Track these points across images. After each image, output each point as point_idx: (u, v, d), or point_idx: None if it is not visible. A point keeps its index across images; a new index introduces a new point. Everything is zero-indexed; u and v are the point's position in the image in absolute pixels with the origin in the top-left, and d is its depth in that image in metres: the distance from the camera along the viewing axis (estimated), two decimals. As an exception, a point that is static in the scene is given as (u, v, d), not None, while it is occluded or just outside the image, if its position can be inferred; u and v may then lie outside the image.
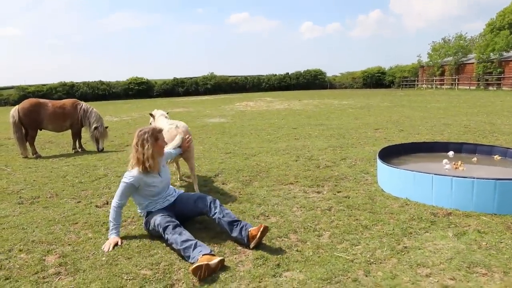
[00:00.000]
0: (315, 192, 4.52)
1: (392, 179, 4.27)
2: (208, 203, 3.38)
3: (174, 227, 3.09)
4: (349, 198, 4.25)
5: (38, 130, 7.50)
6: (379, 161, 4.58)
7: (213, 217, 3.31)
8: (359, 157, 6.28)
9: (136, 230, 3.58)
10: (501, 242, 3.04)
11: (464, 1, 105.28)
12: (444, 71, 39.47)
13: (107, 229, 3.55)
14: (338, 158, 6.24)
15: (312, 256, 2.93)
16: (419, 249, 2.98)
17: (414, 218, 3.58)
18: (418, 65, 44.80)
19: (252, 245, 3.09)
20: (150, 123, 5.61)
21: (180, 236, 2.99)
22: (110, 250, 3.16)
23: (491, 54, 33.01)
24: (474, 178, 3.63)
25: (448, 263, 2.73)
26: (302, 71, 61.91)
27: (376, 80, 58.25)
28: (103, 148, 7.71)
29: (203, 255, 2.78)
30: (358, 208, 3.90)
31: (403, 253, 2.93)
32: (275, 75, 61.29)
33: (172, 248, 3.04)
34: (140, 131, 3.42)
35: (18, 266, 2.91)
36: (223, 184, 5.02)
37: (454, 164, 4.64)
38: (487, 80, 33.02)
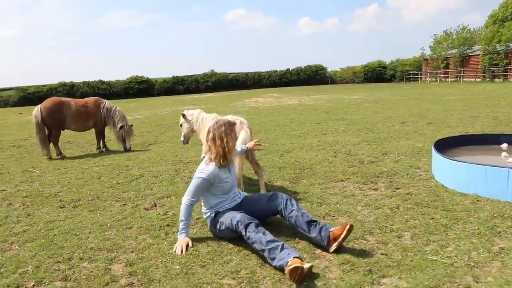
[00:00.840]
0: (371, 189, 4.29)
1: (457, 174, 4.03)
2: (284, 201, 3.16)
3: (257, 226, 2.88)
4: (411, 195, 4.02)
5: (62, 130, 7.24)
6: (438, 155, 4.34)
7: (290, 215, 3.08)
8: (401, 151, 6.05)
9: (198, 233, 3.35)
10: None
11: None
12: (448, 64, 39.22)
13: (166, 233, 3.35)
14: (379, 153, 6.01)
15: (402, 260, 2.70)
16: (519, 250, 2.75)
17: (495, 216, 3.35)
18: (422, 58, 44.54)
19: (333, 248, 2.87)
20: (181, 125, 5.28)
21: (264, 236, 2.76)
22: (184, 252, 2.94)
23: (497, 45, 32.76)
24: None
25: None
26: (302, 67, 61.71)
27: (377, 74, 58.00)
28: (130, 147, 7.46)
29: (294, 257, 2.55)
30: (428, 206, 3.67)
31: (502, 255, 2.71)
32: (276, 71, 61.11)
33: (253, 248, 2.80)
34: (217, 123, 3.21)
35: (84, 277, 2.68)
36: (269, 182, 4.79)
37: (515, 157, 4.41)
38: (493, 72, 32.80)
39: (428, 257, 2.72)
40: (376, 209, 3.69)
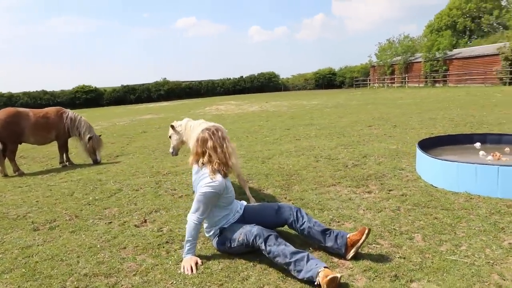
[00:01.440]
0: (366, 192, 4.29)
1: (447, 174, 4.14)
2: (294, 213, 3.01)
3: (276, 238, 2.71)
4: (407, 196, 4.06)
5: (19, 144, 6.56)
6: (427, 156, 4.45)
7: (302, 228, 2.95)
8: (379, 154, 6.17)
9: (203, 249, 3.11)
10: None
11: (399, 5, 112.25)
12: (394, 70, 41.53)
13: (167, 251, 3.07)
14: (359, 156, 6.08)
15: (423, 262, 2.68)
16: (527, 244, 2.83)
17: (493, 212, 3.46)
18: (369, 65, 46.75)
19: (350, 254, 2.78)
20: (170, 137, 5.02)
21: (287, 247, 2.60)
22: (194, 272, 2.70)
23: (437, 53, 35.22)
24: (544, 167, 3.60)
25: None
26: (256, 74, 62.63)
27: (327, 81, 60.18)
28: (100, 159, 6.93)
29: (324, 267, 2.42)
30: (427, 206, 3.72)
31: (515, 250, 2.77)
32: (229, 79, 61.49)
33: (275, 261, 2.63)
34: (209, 130, 2.98)
35: (87, 309, 2.35)
36: (260, 190, 4.63)
37: (493, 155, 4.64)
38: (434, 77, 35.21)
39: (447, 257, 2.72)
40: (379, 212, 3.67)
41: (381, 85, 41.96)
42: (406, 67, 39.75)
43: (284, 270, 2.64)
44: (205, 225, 3.10)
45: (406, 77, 38.26)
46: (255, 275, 2.64)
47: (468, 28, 51.96)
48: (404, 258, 2.77)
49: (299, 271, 2.49)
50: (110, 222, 3.81)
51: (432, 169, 4.39)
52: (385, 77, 41.68)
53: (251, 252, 2.91)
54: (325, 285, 2.30)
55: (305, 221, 2.96)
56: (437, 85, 34.50)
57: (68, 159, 7.07)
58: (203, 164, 2.99)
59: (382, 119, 10.99)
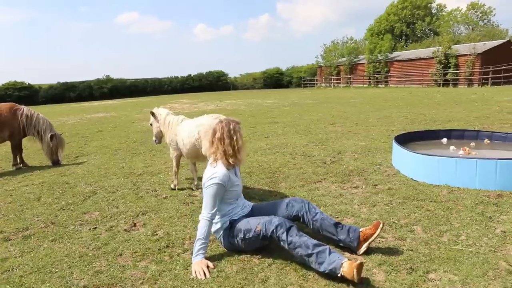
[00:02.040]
0: (353, 188, 4.37)
1: (429, 167, 4.35)
2: (306, 205, 2.97)
3: (298, 229, 2.67)
4: (393, 190, 4.20)
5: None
6: (408, 151, 4.64)
7: (314, 219, 2.91)
8: (352, 150, 6.34)
9: (208, 252, 2.95)
10: None
11: (339, 9, 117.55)
12: (340, 71, 43.27)
13: (171, 256, 2.88)
14: (334, 153, 6.20)
15: (432, 253, 2.77)
16: (517, 231, 3.04)
17: (477, 203, 3.69)
18: (317, 65, 48.24)
19: (362, 249, 2.81)
20: (151, 124, 4.81)
21: (310, 240, 2.57)
22: (208, 276, 2.54)
23: (378, 55, 37.30)
24: (518, 159, 3.91)
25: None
26: (204, 73, 62.12)
27: (275, 80, 61.26)
28: (61, 161, 6.35)
29: (347, 259, 2.41)
30: (416, 199, 3.87)
31: (508, 237, 2.96)
32: (177, 77, 60.48)
33: (296, 253, 2.58)
34: (222, 122, 2.90)
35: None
36: (247, 188, 4.53)
37: (464, 149, 4.96)
38: (377, 78, 37.24)
39: (453, 247, 2.84)
40: (373, 206, 3.75)
41: (328, 85, 43.53)
42: (351, 68, 41.60)
43: (302, 268, 2.60)
44: (216, 218, 2.96)
45: (351, 78, 40.05)
46: (273, 275, 2.55)
47: (404, 33, 55.70)
48: (412, 250, 2.84)
49: (321, 263, 2.46)
50: (95, 228, 3.50)
51: (413, 163, 4.58)
52: (331, 77, 43.28)
53: (260, 250, 2.83)
54: (355, 270, 2.30)
55: (317, 213, 2.94)
56: (379, 85, 36.55)
57: (22, 161, 6.39)
58: (210, 154, 2.90)
59: (342, 117, 11.36)
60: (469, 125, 8.50)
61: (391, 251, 2.83)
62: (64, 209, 4.03)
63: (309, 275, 2.54)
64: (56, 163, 6.28)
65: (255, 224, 2.77)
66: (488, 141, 5.50)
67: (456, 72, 29.74)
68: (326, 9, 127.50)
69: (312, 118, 11.48)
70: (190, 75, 61.25)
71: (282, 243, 2.64)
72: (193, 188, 4.55)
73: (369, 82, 38.06)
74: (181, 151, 4.40)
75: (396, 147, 4.99)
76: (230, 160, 2.84)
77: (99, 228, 3.49)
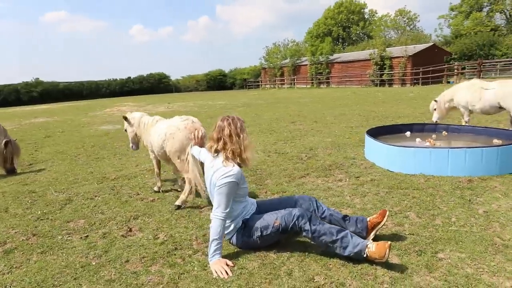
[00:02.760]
0: (337, 181, 4.53)
1: (405, 158, 4.65)
2: (314, 202, 3.03)
3: (316, 218, 2.75)
4: (375, 180, 4.43)
5: None
6: (383, 144, 4.91)
7: (323, 215, 2.99)
8: (321, 146, 6.55)
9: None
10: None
11: (277, 12, 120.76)
12: (283, 72, 44.35)
13: (183, 258, 2.79)
14: (306, 149, 6.37)
15: (432, 235, 2.97)
16: (497, 211, 3.37)
17: (454, 188, 4.02)
18: (260, 67, 48.97)
19: (371, 237, 2.94)
20: (125, 130, 4.58)
21: (332, 226, 2.67)
22: (230, 274, 2.50)
23: (320, 57, 38.84)
24: (483, 147, 4.33)
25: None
26: (145, 75, 60.38)
27: (218, 82, 61.29)
28: (16, 169, 5.75)
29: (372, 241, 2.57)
30: (400, 188, 4.12)
31: (491, 216, 3.27)
32: (116, 80, 58.11)
33: (320, 241, 2.64)
34: (228, 119, 2.84)
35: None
36: (235, 187, 4.49)
37: (429, 141, 5.37)
38: (319, 79, 38.76)
39: (449, 228, 3.07)
40: (364, 196, 3.92)
41: (272, 86, 44.41)
42: (294, 69, 42.83)
43: (322, 257, 2.65)
44: (228, 220, 2.89)
45: (295, 79, 41.25)
46: (296, 268, 2.57)
47: (341, 36, 58.66)
48: (413, 234, 3.02)
49: (345, 248, 2.57)
50: (87, 236, 3.25)
51: (389, 155, 4.86)
52: (275, 78, 44.23)
53: (273, 245, 2.83)
54: (387, 250, 2.46)
55: (325, 209, 3.01)
56: (321, 86, 38.07)
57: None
58: (216, 151, 2.81)
59: (299, 116, 11.67)
60: (418, 120, 9.19)
61: (395, 237, 2.99)
62: (42, 219, 3.68)
63: (330, 264, 2.60)
64: (11, 171, 5.70)
65: (272, 220, 2.77)
66: (446, 133, 6.01)
67: (391, 73, 31.94)
68: (264, 12, 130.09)
69: (271, 117, 11.65)
70: (130, 77, 59.17)
71: (305, 233, 2.67)
72: (178, 190, 4.40)
73: (312, 83, 39.47)
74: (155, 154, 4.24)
75: (371, 141, 5.26)
76: (238, 160, 2.81)
77: (92, 236, 3.25)
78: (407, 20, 55.46)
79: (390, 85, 31.51)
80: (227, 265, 2.61)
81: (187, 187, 3.79)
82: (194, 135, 3.42)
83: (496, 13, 44.81)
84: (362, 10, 58.26)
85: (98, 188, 4.67)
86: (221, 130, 2.83)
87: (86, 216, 3.73)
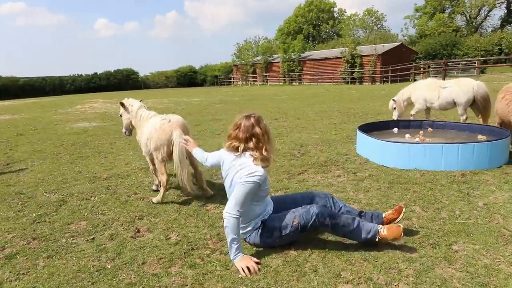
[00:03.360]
0: (336, 177, 4.59)
1: (400, 154, 4.77)
2: (330, 199, 3.05)
3: (334, 212, 2.85)
4: (373, 176, 4.52)
5: None
6: (378, 140, 5.02)
7: (341, 212, 3.00)
8: (311, 143, 6.61)
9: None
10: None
11: (246, 9, 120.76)
12: (255, 69, 44.38)
13: (201, 258, 2.73)
14: (297, 146, 6.40)
15: (442, 228, 3.07)
16: (495, 203, 3.53)
17: (450, 182, 4.17)
18: (232, 63, 48.75)
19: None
20: (120, 115, 4.44)
21: (348, 217, 2.76)
22: (258, 272, 2.49)
23: (292, 54, 39.18)
24: (475, 143, 4.52)
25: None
26: (112, 71, 58.71)
27: (189, 79, 60.51)
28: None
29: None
30: (399, 182, 4.23)
31: (492, 208, 3.43)
32: (81, 75, 56.27)
33: (339, 232, 2.77)
34: (254, 117, 2.78)
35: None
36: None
37: (418, 137, 5.54)
38: (291, 76, 39.11)
39: (456, 221, 3.19)
40: (367, 191, 3.99)
41: (245, 83, 44.36)
42: (266, 66, 42.95)
43: (344, 253, 2.68)
44: (248, 223, 2.84)
45: (267, 76, 41.40)
46: (320, 264, 2.58)
47: (311, 34, 59.44)
48: (424, 227, 3.11)
49: (360, 234, 2.71)
50: (93, 238, 3.10)
51: (383, 151, 4.97)
52: (248, 75, 44.20)
53: (291, 243, 2.83)
54: (401, 230, 2.66)
55: (342, 206, 3.04)
56: (294, 83, 38.45)
57: None
58: (244, 150, 2.74)
59: (280, 112, 11.72)
60: (397, 117, 9.45)
61: (406, 231, 3.05)
62: (38, 222, 3.48)
63: (353, 259, 2.62)
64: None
65: (290, 219, 2.75)
66: (431, 129, 6.23)
67: (362, 71, 32.74)
68: (233, 8, 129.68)
69: (252, 114, 11.61)
70: (96, 73, 57.38)
71: (323, 228, 2.72)
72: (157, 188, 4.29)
73: (284, 80, 39.78)
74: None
75: (364, 137, 5.35)
76: (265, 160, 2.74)
77: (98, 238, 3.11)
78: (374, 20, 57.09)
79: (361, 82, 32.31)
80: (255, 262, 2.57)
81: (162, 190, 3.86)
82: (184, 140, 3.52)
83: (457, 14, 47.03)
84: (332, 9, 59.25)
85: (91, 188, 4.47)
86: (249, 129, 2.73)
87: (86, 217, 3.56)
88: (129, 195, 4.17)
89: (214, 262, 2.65)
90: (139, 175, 5.02)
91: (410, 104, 7.34)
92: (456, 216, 3.30)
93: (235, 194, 2.66)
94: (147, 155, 4.11)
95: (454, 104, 6.56)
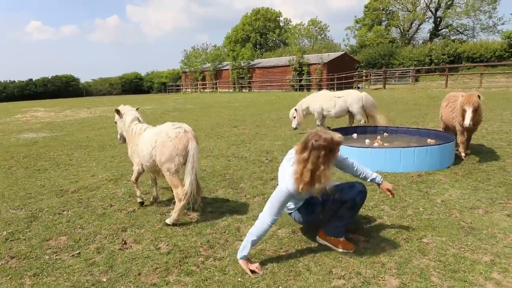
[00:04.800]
0: (307, 181, 4.83)
1: (363, 158, 5.13)
2: None
3: None
4: (341, 179, 4.80)
5: None
6: (343, 146, 5.35)
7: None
8: (275, 149, 6.85)
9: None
10: (485, 181, 4.44)
11: (191, 16, 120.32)
12: (205, 77, 44.23)
13: (197, 265, 2.80)
14: (262, 153, 6.59)
15: (411, 224, 3.42)
16: (450, 200, 3.98)
17: (410, 182, 4.60)
18: (180, 70, 48.14)
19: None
20: (116, 122, 4.27)
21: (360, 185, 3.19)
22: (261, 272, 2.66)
23: (242, 62, 39.66)
24: (428, 146, 5.02)
25: (476, 200, 3.85)
26: (50, 77, 55.53)
27: (134, 85, 58.84)
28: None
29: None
30: (366, 184, 4.55)
31: (449, 204, 3.85)
32: (14, 82, 52.65)
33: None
34: (319, 141, 2.65)
35: None
36: (213, 193, 4.52)
37: (377, 142, 5.99)
38: (241, 83, 39.53)
39: (422, 217, 3.55)
40: (339, 194, 4.26)
41: (194, 90, 44.02)
42: (216, 74, 43.02)
43: (330, 251, 2.89)
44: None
45: (217, 83, 41.45)
46: (311, 263, 2.77)
47: (259, 42, 60.55)
48: (394, 224, 3.44)
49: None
50: (79, 253, 3.02)
51: (348, 156, 5.30)
52: (197, 82, 43.92)
53: (282, 245, 2.99)
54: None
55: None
56: (243, 90, 38.90)
57: None
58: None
59: (238, 120, 11.88)
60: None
61: (379, 228, 3.37)
62: (12, 240, 3.30)
63: (340, 257, 2.85)
64: None
65: (332, 194, 2.87)
66: (386, 134, 6.75)
67: (309, 79, 34.01)
68: (177, 15, 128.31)
69: (210, 122, 11.66)
70: (31, 79, 54.01)
71: (351, 202, 2.95)
72: (155, 202, 4.19)
73: (234, 87, 40.10)
74: (142, 165, 3.88)
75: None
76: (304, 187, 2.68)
77: (84, 253, 3.03)
78: (318, 30, 59.56)
79: (309, 89, 33.50)
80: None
81: (178, 205, 3.46)
82: None
83: (392, 27, 50.62)
84: (278, 18, 60.88)
85: (61, 202, 4.29)
86: (324, 149, 2.65)
87: (64, 232, 3.44)
88: (104, 207, 4.07)
89: (211, 268, 2.73)
90: (109, 186, 4.89)
91: (308, 113, 8.46)
92: (421, 212, 3.67)
93: (272, 199, 2.79)
94: (150, 169, 3.77)
95: (348, 111, 7.83)
